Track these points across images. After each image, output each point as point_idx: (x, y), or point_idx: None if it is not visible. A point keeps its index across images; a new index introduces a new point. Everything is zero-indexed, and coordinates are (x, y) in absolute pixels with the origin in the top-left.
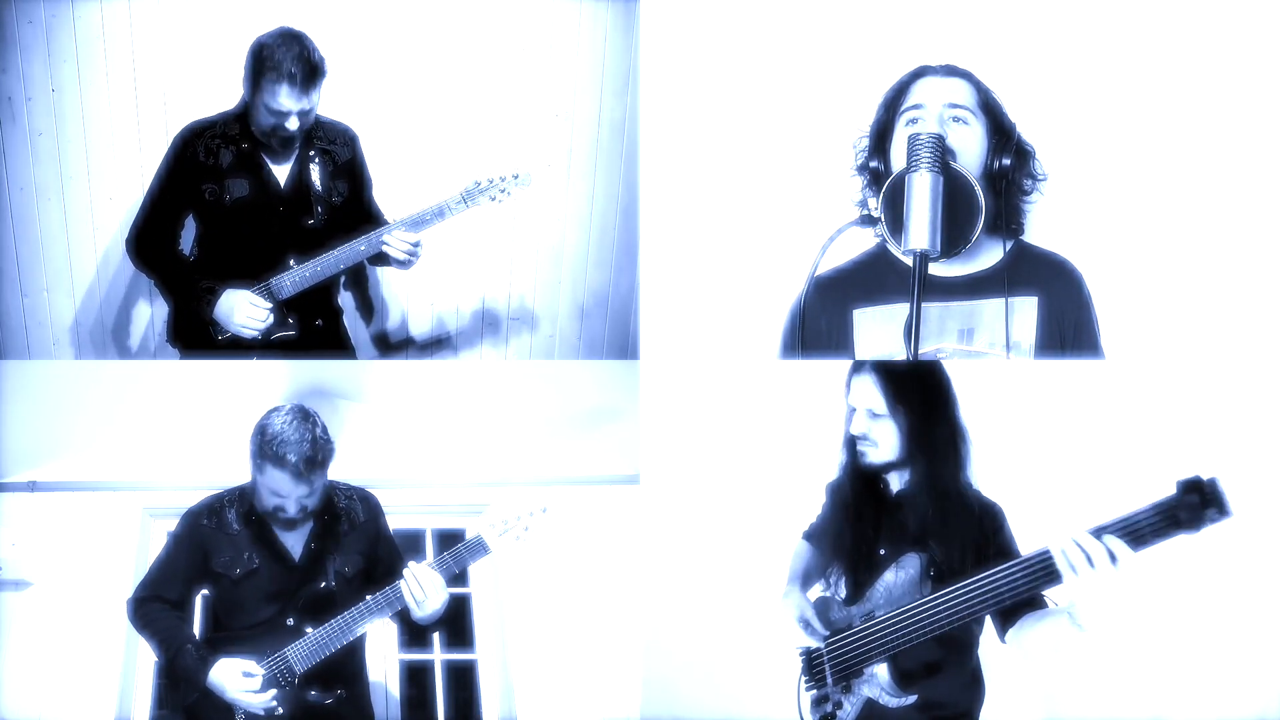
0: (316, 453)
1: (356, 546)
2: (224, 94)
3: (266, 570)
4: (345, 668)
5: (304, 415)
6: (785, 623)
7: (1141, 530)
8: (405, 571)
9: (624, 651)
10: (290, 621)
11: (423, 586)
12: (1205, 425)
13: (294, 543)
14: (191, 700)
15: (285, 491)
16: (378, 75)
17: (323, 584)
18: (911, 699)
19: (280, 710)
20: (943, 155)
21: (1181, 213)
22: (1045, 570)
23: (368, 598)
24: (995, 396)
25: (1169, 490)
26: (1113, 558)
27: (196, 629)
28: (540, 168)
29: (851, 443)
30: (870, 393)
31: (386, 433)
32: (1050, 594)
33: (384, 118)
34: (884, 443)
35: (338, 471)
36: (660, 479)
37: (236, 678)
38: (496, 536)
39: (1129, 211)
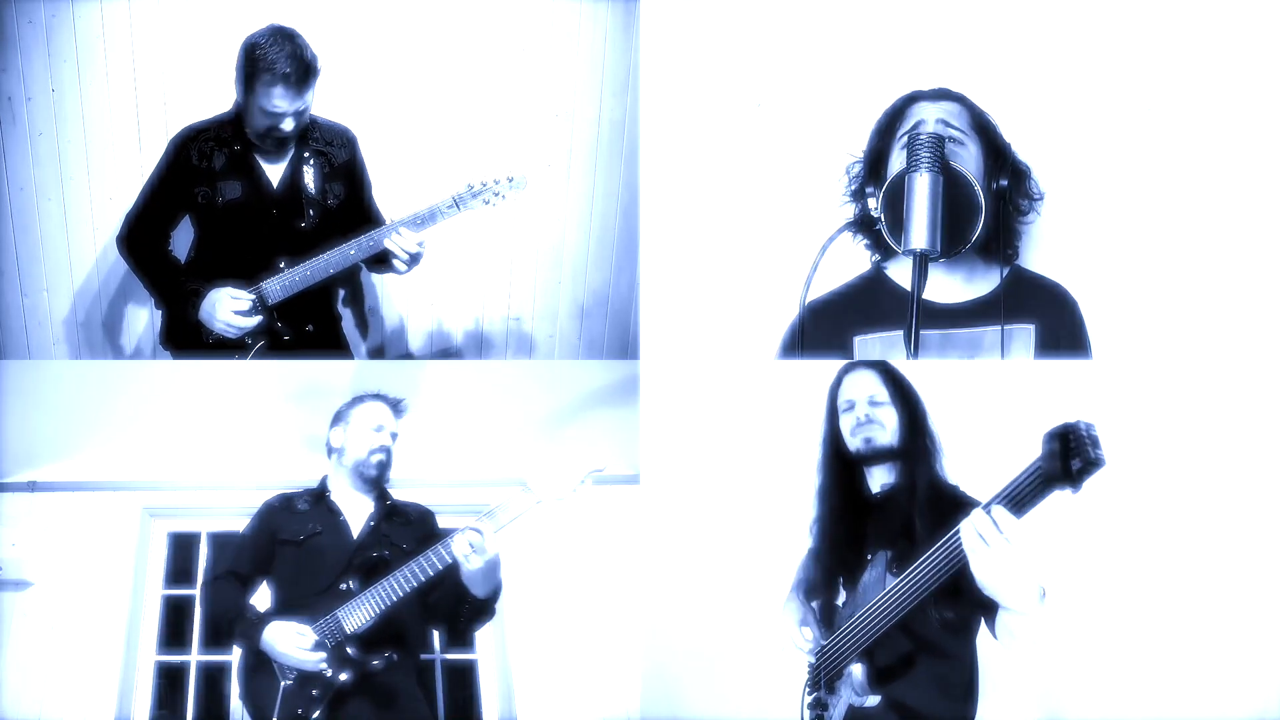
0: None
1: (414, 534)
2: (224, 95)
3: (329, 536)
4: (397, 634)
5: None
6: (786, 628)
7: (1019, 494)
8: (459, 538)
9: (624, 651)
10: (344, 586)
11: (469, 540)
12: (1199, 431)
13: (356, 520)
14: (248, 665)
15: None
16: (377, 76)
17: (375, 553)
18: (874, 699)
19: (329, 671)
20: (942, 155)
21: (1173, 230)
22: (958, 550)
23: (416, 559)
24: (985, 399)
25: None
26: (999, 528)
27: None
28: (540, 168)
29: (835, 439)
30: (870, 383)
31: None
32: None
33: (384, 118)
34: (889, 426)
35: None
36: (660, 479)
37: (287, 637)
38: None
39: (1120, 230)
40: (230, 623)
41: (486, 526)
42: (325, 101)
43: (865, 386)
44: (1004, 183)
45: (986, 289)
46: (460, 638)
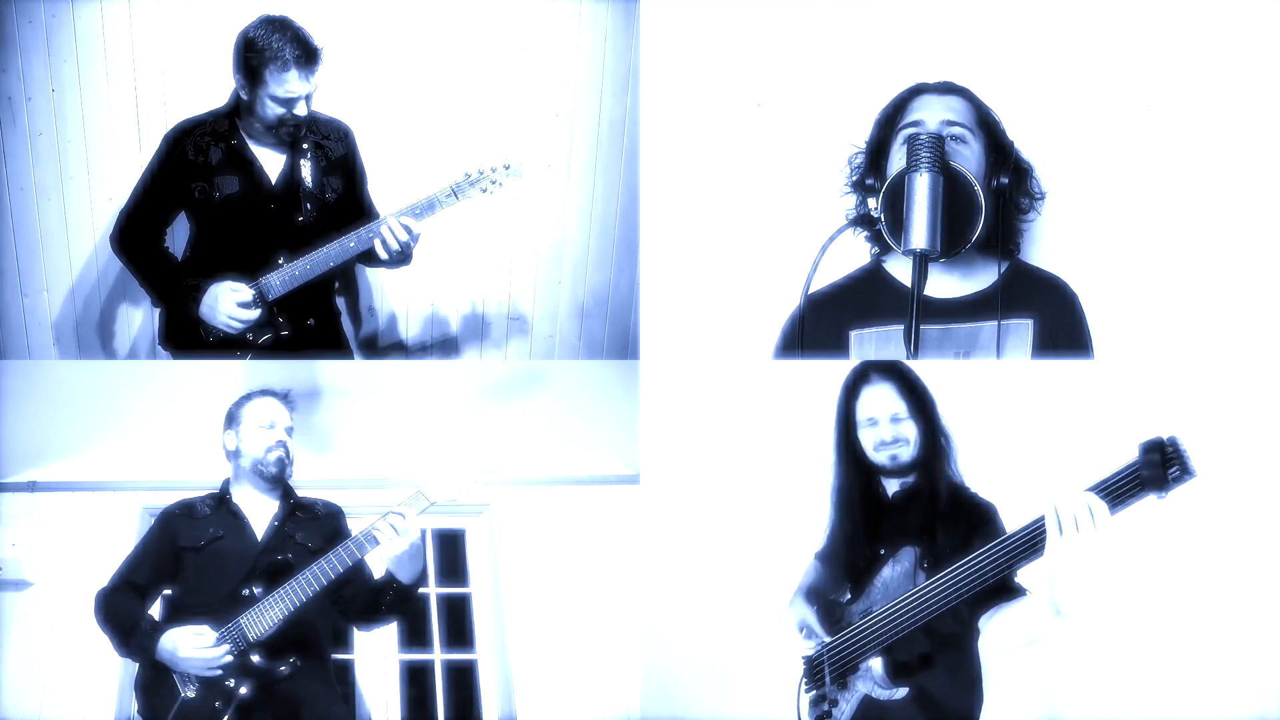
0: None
1: (322, 531)
2: (224, 94)
3: (232, 540)
4: (301, 637)
5: None
6: (789, 630)
7: (1115, 489)
8: (381, 522)
9: (624, 651)
10: (247, 592)
11: (392, 523)
12: (1200, 430)
13: (259, 522)
14: (144, 678)
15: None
16: (378, 75)
17: (279, 556)
18: (902, 691)
19: (232, 681)
20: (942, 155)
21: (1176, 228)
22: (1028, 542)
23: (323, 558)
24: (988, 398)
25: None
26: (1093, 516)
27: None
28: (540, 167)
29: (851, 448)
30: (890, 399)
31: (385, 432)
32: (1026, 582)
33: (384, 118)
34: (911, 441)
35: (334, 470)
36: (660, 479)
37: (186, 639)
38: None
39: (1123, 229)
40: (126, 635)
41: (409, 510)
42: (326, 99)
43: (886, 403)
44: (1004, 180)
45: (985, 284)
46: (377, 625)
